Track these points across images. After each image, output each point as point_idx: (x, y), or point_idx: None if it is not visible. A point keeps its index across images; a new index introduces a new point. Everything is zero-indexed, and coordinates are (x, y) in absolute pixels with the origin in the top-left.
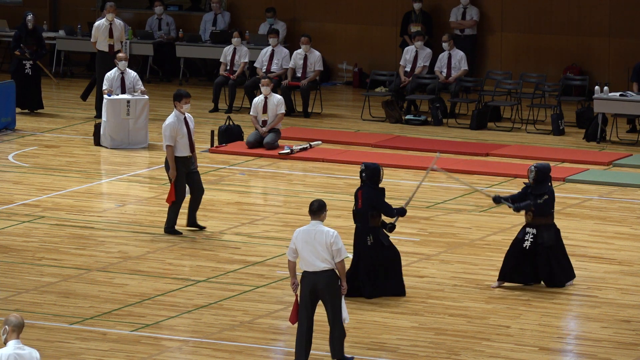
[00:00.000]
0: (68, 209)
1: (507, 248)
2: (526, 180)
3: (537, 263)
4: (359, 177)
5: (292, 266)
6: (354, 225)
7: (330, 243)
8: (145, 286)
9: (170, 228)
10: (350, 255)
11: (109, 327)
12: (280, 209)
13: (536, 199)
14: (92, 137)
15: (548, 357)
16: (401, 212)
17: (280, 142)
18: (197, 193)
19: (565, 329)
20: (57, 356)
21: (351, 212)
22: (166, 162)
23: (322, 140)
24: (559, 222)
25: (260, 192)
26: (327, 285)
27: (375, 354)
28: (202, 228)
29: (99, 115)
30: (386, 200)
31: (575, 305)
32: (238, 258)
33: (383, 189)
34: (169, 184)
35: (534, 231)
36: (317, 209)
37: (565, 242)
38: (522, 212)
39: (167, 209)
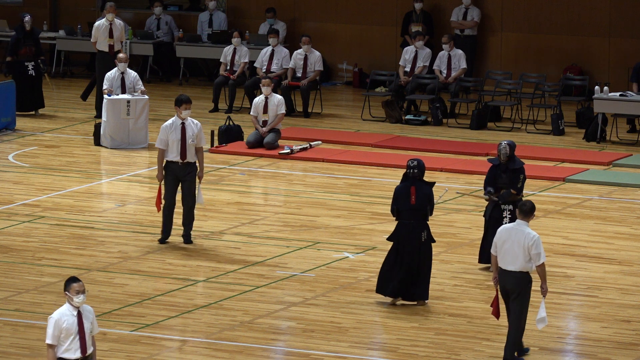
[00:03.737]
0: (68, 209)
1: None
2: (489, 158)
3: None
4: (405, 174)
5: (494, 261)
6: (354, 225)
7: (529, 246)
8: (145, 286)
9: (162, 234)
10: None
11: (109, 327)
12: (280, 209)
13: (514, 182)
14: (92, 137)
15: (548, 357)
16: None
17: (280, 142)
18: (184, 204)
19: (565, 329)
20: None
21: (352, 211)
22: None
23: (322, 140)
24: (559, 222)
25: (260, 192)
26: (514, 286)
27: (375, 354)
28: (190, 242)
29: (99, 115)
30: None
31: (575, 305)
32: (238, 258)
33: (433, 183)
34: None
35: (511, 207)
36: (529, 211)
37: (565, 242)
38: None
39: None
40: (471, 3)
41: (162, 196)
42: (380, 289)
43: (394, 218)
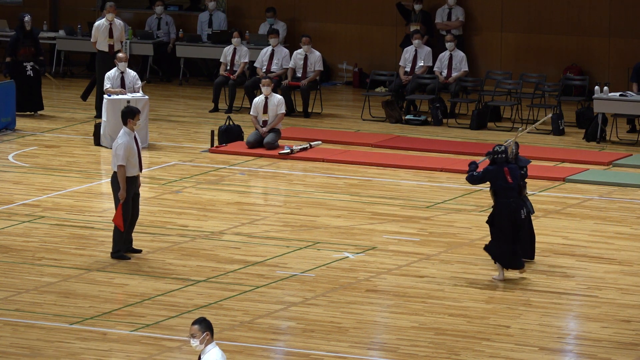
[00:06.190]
0: (68, 209)
1: None
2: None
3: (527, 233)
4: (493, 160)
5: None
6: (354, 225)
7: None
8: (145, 286)
9: (116, 253)
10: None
11: (109, 327)
12: (280, 209)
13: (522, 177)
14: (92, 137)
15: (548, 357)
16: None
17: (280, 142)
18: (134, 218)
19: (565, 329)
20: (57, 356)
21: (352, 211)
22: (113, 182)
23: (322, 140)
24: (559, 222)
25: (260, 192)
26: None
27: (375, 354)
28: (138, 251)
29: (99, 115)
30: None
31: (575, 305)
32: (238, 258)
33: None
34: (118, 205)
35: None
36: None
37: (565, 242)
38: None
39: (160, 212)
40: (455, 3)
41: (123, 213)
42: (510, 264)
43: (491, 197)
